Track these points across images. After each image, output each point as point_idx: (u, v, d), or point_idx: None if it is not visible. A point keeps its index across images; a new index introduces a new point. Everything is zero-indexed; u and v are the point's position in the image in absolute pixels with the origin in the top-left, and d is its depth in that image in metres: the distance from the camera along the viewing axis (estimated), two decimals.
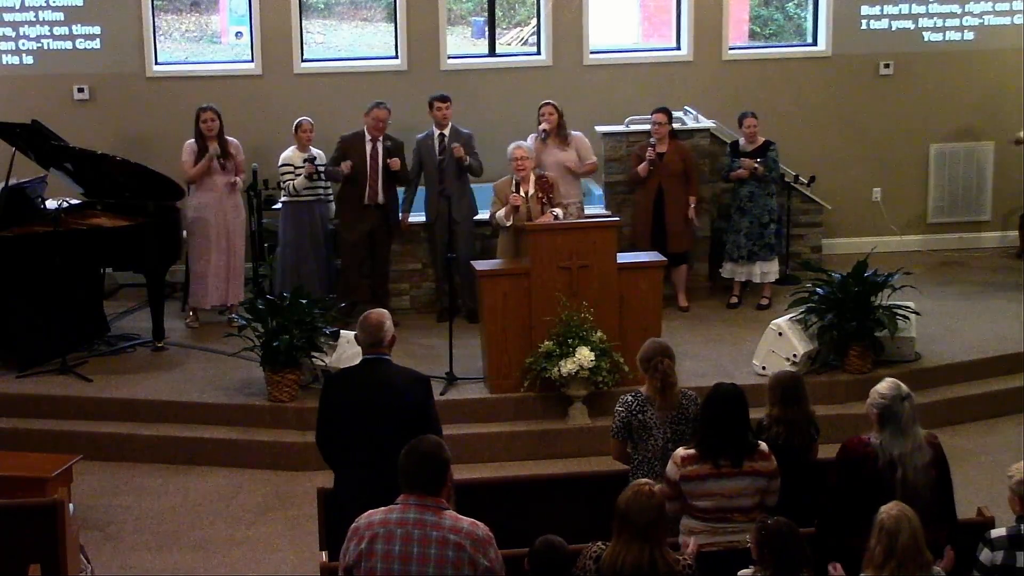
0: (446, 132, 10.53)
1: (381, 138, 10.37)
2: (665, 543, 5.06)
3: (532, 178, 9.80)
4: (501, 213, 9.70)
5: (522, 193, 9.72)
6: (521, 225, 9.60)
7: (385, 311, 6.18)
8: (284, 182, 10.47)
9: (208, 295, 10.49)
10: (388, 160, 10.31)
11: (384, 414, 5.88)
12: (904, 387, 5.76)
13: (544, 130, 10.53)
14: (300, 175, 10.37)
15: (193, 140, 10.37)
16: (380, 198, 10.41)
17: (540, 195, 9.74)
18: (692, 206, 10.75)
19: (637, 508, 4.98)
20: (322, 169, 10.36)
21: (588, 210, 10.76)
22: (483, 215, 10.42)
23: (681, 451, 5.94)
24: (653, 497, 5.03)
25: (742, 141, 10.91)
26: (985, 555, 5.30)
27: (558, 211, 9.75)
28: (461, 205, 10.49)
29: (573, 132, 10.73)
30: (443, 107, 10.53)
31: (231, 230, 10.47)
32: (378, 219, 10.51)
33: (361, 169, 10.36)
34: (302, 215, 10.49)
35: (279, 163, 10.51)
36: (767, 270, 10.92)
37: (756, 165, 10.72)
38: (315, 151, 10.48)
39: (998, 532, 5.33)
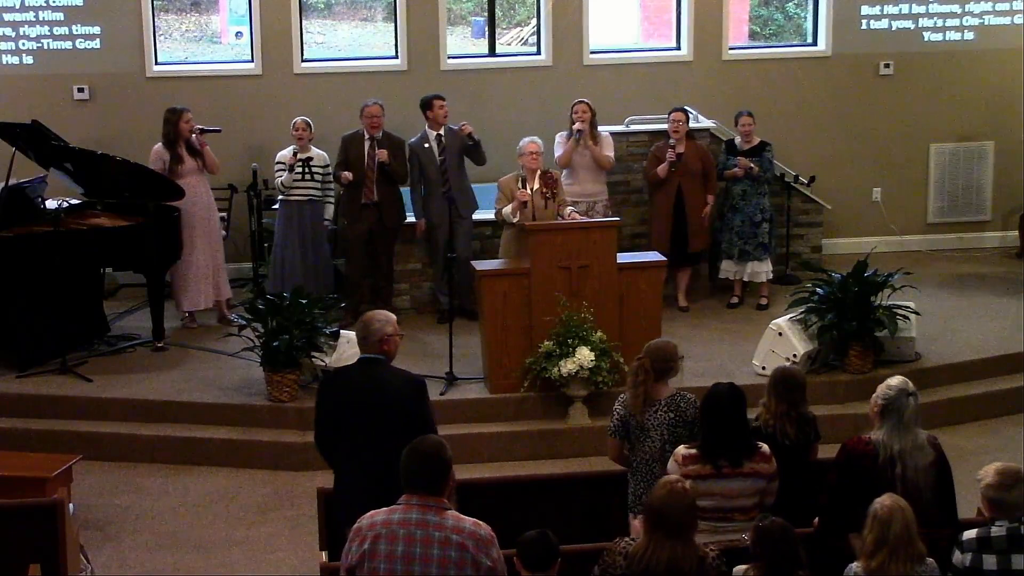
0: (442, 132, 10.51)
1: (379, 136, 10.37)
2: (694, 540, 5.07)
3: (537, 174, 9.78)
4: (507, 210, 9.67)
5: (528, 189, 9.70)
6: (522, 224, 9.59)
7: (382, 313, 6.12)
8: (275, 180, 10.51)
9: (197, 297, 10.47)
10: (376, 152, 10.29)
11: (375, 415, 5.85)
12: (911, 385, 5.78)
13: (579, 129, 10.51)
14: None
15: (162, 145, 10.31)
16: (375, 196, 10.41)
17: (544, 190, 9.71)
18: (709, 205, 10.77)
19: (672, 506, 4.98)
20: (301, 163, 10.32)
21: None
22: (486, 214, 10.42)
23: (682, 450, 5.93)
24: (687, 495, 5.04)
25: (738, 140, 10.94)
26: (956, 557, 5.29)
27: (571, 208, 9.74)
28: (463, 203, 10.49)
29: (602, 132, 10.70)
30: (446, 105, 10.50)
31: (211, 227, 10.47)
32: (375, 218, 10.50)
33: (359, 168, 10.36)
34: (292, 215, 10.49)
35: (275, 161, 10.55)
36: (759, 269, 10.93)
37: (751, 165, 10.74)
38: (317, 151, 10.48)
39: (969, 534, 5.32)
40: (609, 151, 10.66)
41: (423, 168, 10.52)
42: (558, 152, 10.54)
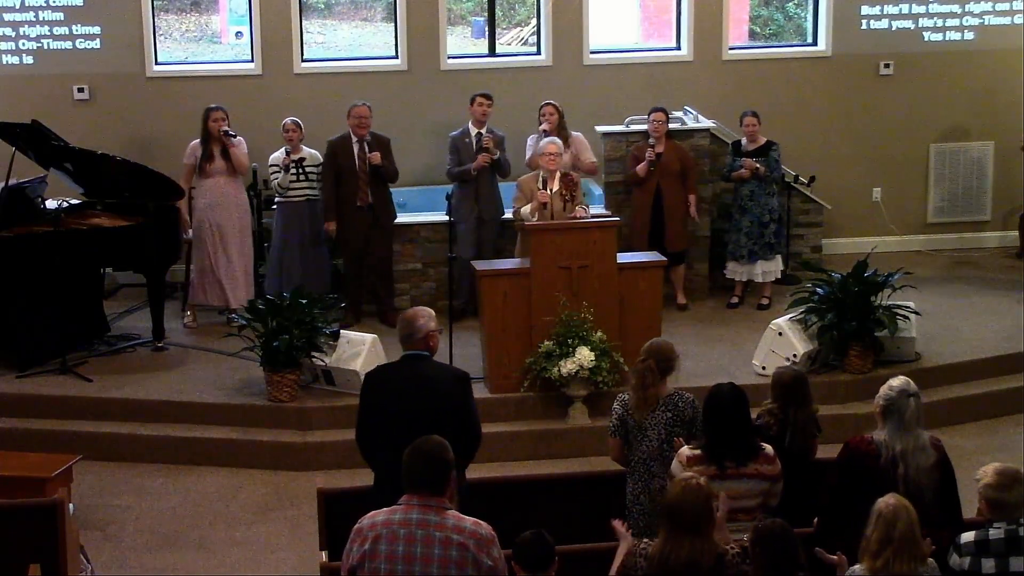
0: (483, 130, 10.54)
1: (368, 139, 10.37)
2: (712, 536, 5.07)
3: (557, 175, 9.78)
4: (526, 210, 9.65)
5: (548, 190, 9.69)
6: (520, 224, 9.59)
7: (424, 309, 6.19)
8: (272, 182, 10.50)
9: (209, 293, 10.47)
10: (368, 154, 10.30)
11: (422, 411, 5.85)
12: (914, 386, 5.77)
13: (544, 131, 10.50)
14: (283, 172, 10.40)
15: (198, 141, 10.37)
16: (370, 198, 10.40)
17: (564, 192, 9.70)
18: (692, 204, 10.76)
19: (688, 503, 5.00)
20: (294, 163, 10.32)
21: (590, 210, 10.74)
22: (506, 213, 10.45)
23: (687, 451, 5.93)
24: (702, 491, 5.06)
25: (744, 141, 10.92)
26: (954, 560, 5.26)
27: (586, 208, 9.75)
28: (491, 204, 10.53)
29: (573, 133, 10.71)
30: (487, 103, 10.54)
31: (229, 229, 10.45)
32: (370, 220, 10.49)
33: (351, 171, 10.35)
34: (290, 215, 10.49)
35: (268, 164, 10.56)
36: (768, 269, 10.93)
37: (758, 165, 10.73)
38: (308, 150, 10.47)
39: (966, 537, 5.30)
40: (588, 155, 10.65)
41: (461, 161, 10.56)
42: (528, 155, 10.55)
